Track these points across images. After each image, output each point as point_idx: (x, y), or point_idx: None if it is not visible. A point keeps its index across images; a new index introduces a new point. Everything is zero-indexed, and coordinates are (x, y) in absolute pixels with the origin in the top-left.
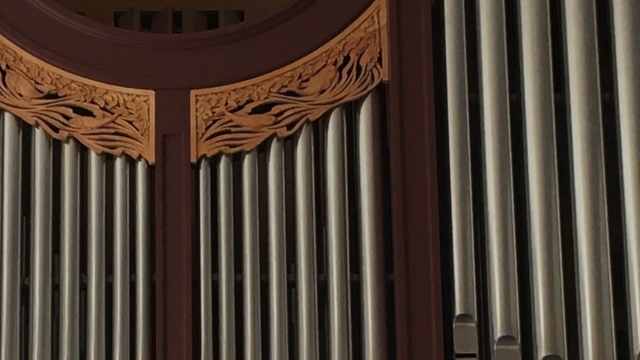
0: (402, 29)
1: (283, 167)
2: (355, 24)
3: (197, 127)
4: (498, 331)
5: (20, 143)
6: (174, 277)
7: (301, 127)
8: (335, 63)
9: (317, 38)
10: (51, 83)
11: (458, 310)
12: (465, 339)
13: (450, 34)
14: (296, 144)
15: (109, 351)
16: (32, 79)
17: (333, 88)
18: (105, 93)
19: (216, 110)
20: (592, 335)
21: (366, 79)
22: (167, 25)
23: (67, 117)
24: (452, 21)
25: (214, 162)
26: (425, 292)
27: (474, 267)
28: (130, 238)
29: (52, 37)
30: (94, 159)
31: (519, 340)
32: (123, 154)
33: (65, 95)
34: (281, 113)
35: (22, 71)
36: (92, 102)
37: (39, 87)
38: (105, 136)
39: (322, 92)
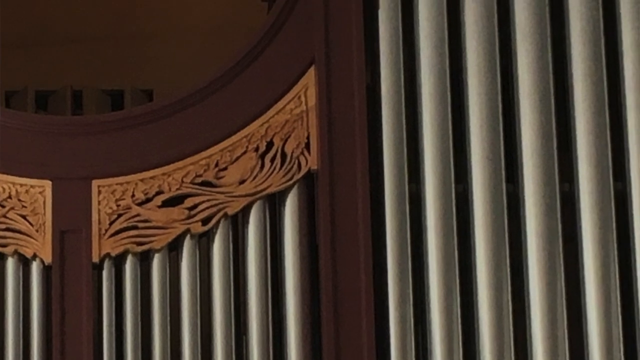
0: (333, 110)
1: (197, 267)
2: (280, 104)
3: (99, 222)
4: None
5: None
6: None
7: (218, 222)
8: (256, 149)
9: (236, 121)
10: None
11: None
12: None
13: (388, 116)
14: (212, 241)
15: None
16: None
17: (254, 178)
18: None
19: (121, 203)
20: None
21: (292, 167)
22: (66, 106)
23: None
24: (390, 101)
25: (118, 261)
26: None
27: None
28: (24, 349)
29: None
30: None
31: None
32: (15, 252)
33: None
34: (195, 206)
35: None
36: None
37: None
38: None
39: (241, 182)
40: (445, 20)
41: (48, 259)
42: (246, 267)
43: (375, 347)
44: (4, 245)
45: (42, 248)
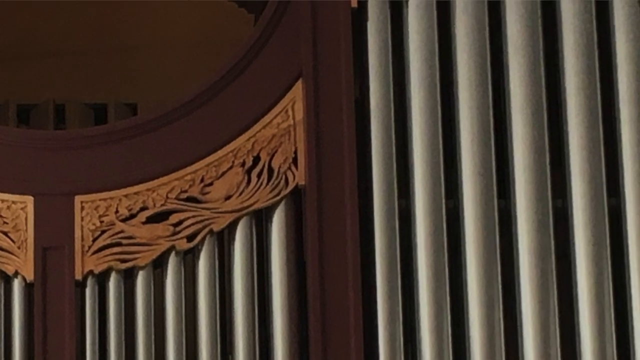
0: (320, 124)
1: (183, 285)
2: (267, 119)
3: (82, 239)
4: None
5: None
6: None
7: (203, 238)
8: (243, 164)
9: (222, 135)
10: None
11: None
12: None
13: (377, 130)
14: (198, 258)
15: None
16: None
17: (241, 193)
18: None
19: (105, 219)
20: None
21: (279, 182)
22: (48, 121)
23: None
24: (379, 115)
25: (102, 279)
26: None
27: None
28: None
29: None
30: None
31: None
32: None
33: None
34: (180, 222)
35: None
36: None
37: None
38: None
39: (227, 198)
40: (436, 32)
41: (30, 277)
42: (232, 285)
43: None
44: None
45: (24, 265)
